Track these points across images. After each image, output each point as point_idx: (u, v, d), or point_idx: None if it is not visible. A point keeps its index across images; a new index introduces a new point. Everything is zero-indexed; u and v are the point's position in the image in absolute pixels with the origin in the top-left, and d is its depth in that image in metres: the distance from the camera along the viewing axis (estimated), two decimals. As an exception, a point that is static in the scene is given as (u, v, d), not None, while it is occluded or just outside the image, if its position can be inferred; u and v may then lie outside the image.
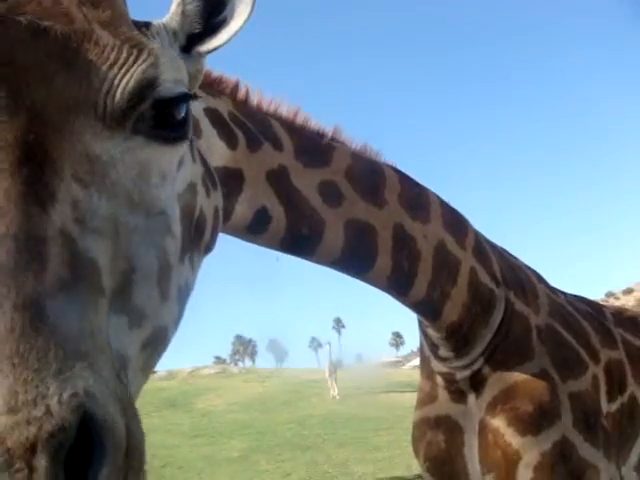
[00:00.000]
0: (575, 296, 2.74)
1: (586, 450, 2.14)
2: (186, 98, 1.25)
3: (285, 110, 1.96)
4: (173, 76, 1.24)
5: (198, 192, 1.36)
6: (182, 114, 1.24)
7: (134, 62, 1.16)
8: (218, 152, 1.69)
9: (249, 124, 1.83)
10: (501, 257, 2.39)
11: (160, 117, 1.19)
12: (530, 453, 2.11)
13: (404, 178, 2.15)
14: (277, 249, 1.95)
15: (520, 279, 2.38)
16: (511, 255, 2.51)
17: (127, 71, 1.14)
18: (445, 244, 2.15)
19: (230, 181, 1.72)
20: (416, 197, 2.15)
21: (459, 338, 2.20)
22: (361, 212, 2.00)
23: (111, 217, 1.06)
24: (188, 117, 1.28)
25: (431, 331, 2.24)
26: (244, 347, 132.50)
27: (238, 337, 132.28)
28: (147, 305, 1.11)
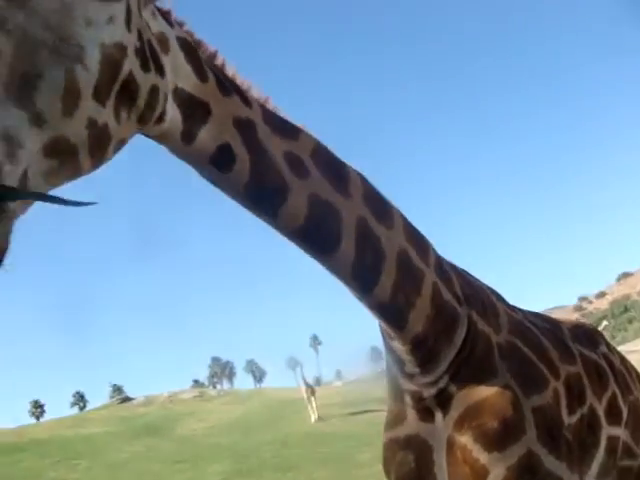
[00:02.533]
0: (532, 313, 2.85)
1: (551, 463, 2.22)
2: None
3: (255, 94, 2.05)
4: None
5: (128, 56, 1.53)
6: None
7: None
8: (185, 75, 1.82)
9: (220, 75, 1.95)
10: (462, 277, 2.47)
11: None
12: (497, 468, 2.18)
13: (367, 184, 2.22)
14: (242, 199, 2.00)
15: (481, 298, 2.47)
16: (471, 275, 2.60)
17: None
18: (408, 253, 2.22)
19: (195, 108, 1.85)
20: (380, 203, 2.23)
21: (425, 352, 2.25)
22: (326, 193, 2.07)
23: (23, 26, 1.31)
24: None
25: (397, 344, 2.27)
26: (221, 369, 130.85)
27: (215, 359, 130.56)
28: (48, 112, 1.33)
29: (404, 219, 2.29)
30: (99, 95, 1.44)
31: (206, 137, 1.87)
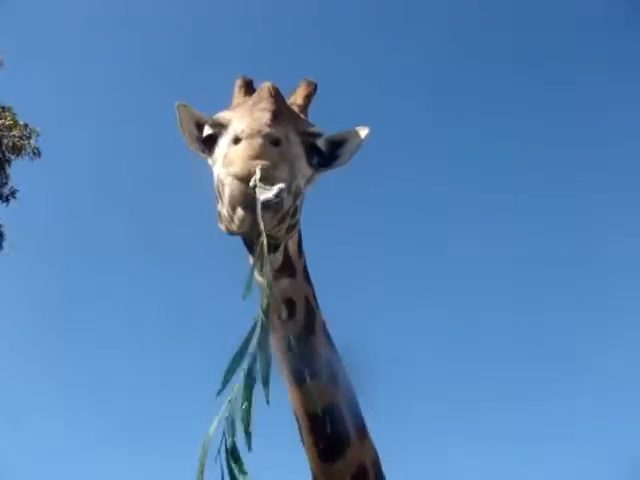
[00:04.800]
0: None
1: None
2: (318, 152, 2.55)
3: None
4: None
5: (300, 198, 2.45)
6: (314, 163, 2.54)
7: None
8: (293, 241, 2.68)
9: (306, 268, 2.82)
10: None
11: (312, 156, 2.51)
12: None
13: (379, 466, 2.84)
14: (290, 348, 2.62)
15: None
16: None
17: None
18: None
19: (289, 266, 2.66)
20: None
21: None
22: (346, 413, 2.68)
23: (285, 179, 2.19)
24: (316, 165, 2.54)
25: None
26: None
27: None
28: (292, 190, 2.26)
29: None
30: (294, 196, 2.33)
31: (286, 286, 2.62)
